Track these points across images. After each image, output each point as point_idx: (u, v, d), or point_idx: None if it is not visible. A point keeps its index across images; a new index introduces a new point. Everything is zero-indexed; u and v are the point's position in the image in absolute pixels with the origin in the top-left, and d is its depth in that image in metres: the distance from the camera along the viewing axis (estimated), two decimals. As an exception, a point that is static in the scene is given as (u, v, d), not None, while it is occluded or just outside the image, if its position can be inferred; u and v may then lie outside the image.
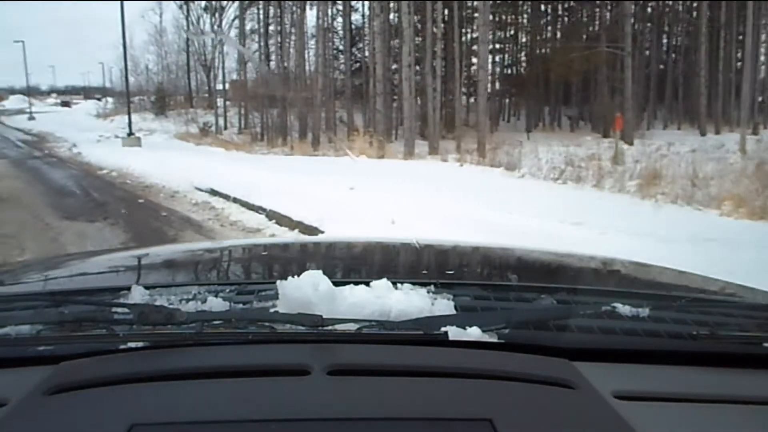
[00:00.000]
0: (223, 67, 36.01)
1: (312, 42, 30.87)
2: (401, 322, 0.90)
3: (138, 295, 1.02)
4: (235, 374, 0.80)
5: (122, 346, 0.87)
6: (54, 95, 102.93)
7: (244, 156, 18.91)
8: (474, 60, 29.23)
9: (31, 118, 41.03)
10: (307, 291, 0.92)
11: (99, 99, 54.69)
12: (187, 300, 1.03)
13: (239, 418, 0.70)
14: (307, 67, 29.37)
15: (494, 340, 0.90)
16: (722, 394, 0.81)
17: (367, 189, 9.17)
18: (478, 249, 1.97)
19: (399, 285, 1.04)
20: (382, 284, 1.01)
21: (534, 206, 7.92)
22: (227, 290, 1.11)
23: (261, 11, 31.82)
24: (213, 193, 10.01)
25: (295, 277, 0.95)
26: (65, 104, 76.16)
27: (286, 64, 30.21)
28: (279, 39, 30.25)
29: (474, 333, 0.89)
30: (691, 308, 1.09)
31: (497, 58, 36.69)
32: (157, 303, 0.99)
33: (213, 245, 3.05)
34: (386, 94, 23.70)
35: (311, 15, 31.74)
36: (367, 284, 1.00)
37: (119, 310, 0.97)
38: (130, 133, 20.98)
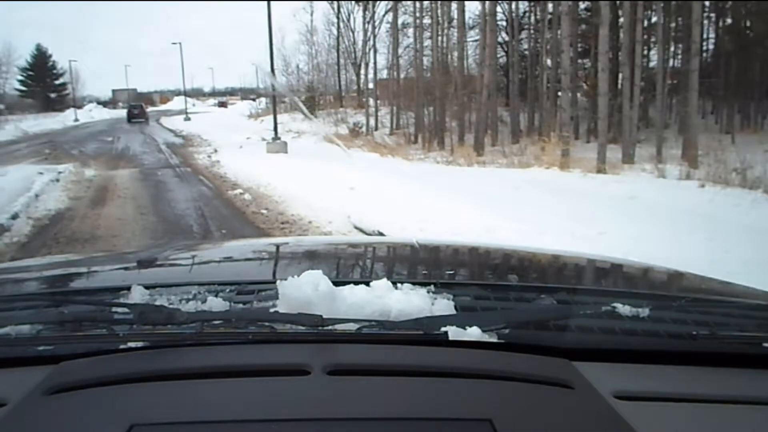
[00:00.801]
0: (375, 65, 33.80)
1: (470, 33, 27.56)
2: (401, 322, 0.90)
3: (138, 295, 1.02)
4: (235, 374, 0.79)
5: (122, 346, 0.87)
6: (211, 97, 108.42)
7: (402, 165, 15.84)
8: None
9: (187, 119, 41.69)
10: (307, 291, 0.92)
11: (253, 99, 55.76)
12: (187, 300, 1.02)
13: (239, 418, 0.70)
14: (464, 62, 26.08)
15: (494, 340, 0.89)
16: (722, 394, 0.81)
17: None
18: (478, 249, 1.97)
19: (399, 285, 1.04)
20: (382, 284, 1.00)
21: None
22: (227, 290, 1.10)
23: (415, 3, 28.81)
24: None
25: (295, 277, 0.95)
26: (222, 105, 78.21)
27: (445, 58, 26.90)
28: (435, 31, 26.94)
29: (474, 333, 0.88)
30: (691, 308, 1.08)
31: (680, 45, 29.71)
32: (157, 303, 0.99)
33: (213, 245, 2.89)
34: (568, 90, 19.46)
35: (468, 5, 28.22)
36: (367, 284, 1.00)
37: (119, 310, 0.96)
38: (276, 138, 18.53)
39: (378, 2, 34.40)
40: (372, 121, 30.82)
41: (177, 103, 70.42)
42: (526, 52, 30.42)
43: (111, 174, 13.70)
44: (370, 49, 35.65)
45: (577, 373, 0.82)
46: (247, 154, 16.66)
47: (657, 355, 0.89)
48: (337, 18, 38.94)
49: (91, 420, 0.70)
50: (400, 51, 31.04)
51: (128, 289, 1.03)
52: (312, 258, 1.72)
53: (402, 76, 30.58)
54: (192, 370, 0.80)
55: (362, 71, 38.20)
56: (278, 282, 0.95)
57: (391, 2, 31.54)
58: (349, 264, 1.67)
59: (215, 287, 1.10)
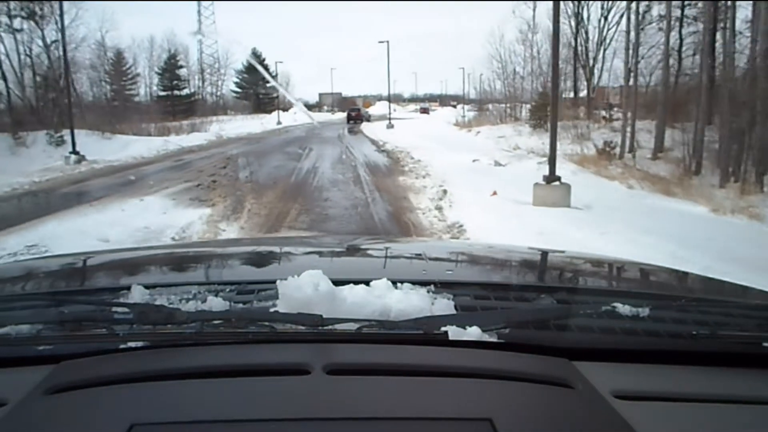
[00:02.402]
0: (637, 64, 25.43)
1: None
2: (401, 322, 0.90)
3: (138, 294, 1.02)
4: (235, 374, 0.79)
5: (122, 346, 0.86)
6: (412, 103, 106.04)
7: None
8: None
9: (390, 126, 36.61)
10: (307, 291, 0.92)
11: (454, 106, 50.67)
12: (187, 300, 1.02)
13: (239, 418, 0.70)
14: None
15: (494, 340, 0.89)
16: (722, 394, 0.80)
17: None
18: (478, 249, 1.97)
19: (399, 285, 1.03)
20: (382, 284, 1.00)
21: None
22: (227, 290, 1.10)
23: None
24: None
25: (295, 276, 0.94)
26: (424, 111, 74.12)
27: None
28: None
29: (474, 333, 0.88)
30: (691, 308, 1.08)
31: None
32: (157, 303, 0.98)
33: (213, 245, 2.85)
34: None
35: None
36: (367, 284, 0.99)
37: (119, 309, 0.96)
38: (553, 177, 9.62)
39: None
40: (623, 140, 22.93)
41: (379, 108, 67.56)
42: None
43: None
44: (605, 49, 28.28)
45: (577, 372, 0.82)
46: (503, 205, 9.24)
47: (657, 354, 0.89)
48: (577, 8, 31.27)
49: (91, 420, 0.70)
50: (643, 51, 23.04)
51: (128, 289, 1.03)
52: (312, 257, 1.71)
53: (636, 81, 22.71)
54: (192, 370, 0.80)
55: (596, 75, 30.95)
56: (278, 282, 0.95)
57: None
58: (348, 264, 1.66)
59: (215, 287, 1.10)
